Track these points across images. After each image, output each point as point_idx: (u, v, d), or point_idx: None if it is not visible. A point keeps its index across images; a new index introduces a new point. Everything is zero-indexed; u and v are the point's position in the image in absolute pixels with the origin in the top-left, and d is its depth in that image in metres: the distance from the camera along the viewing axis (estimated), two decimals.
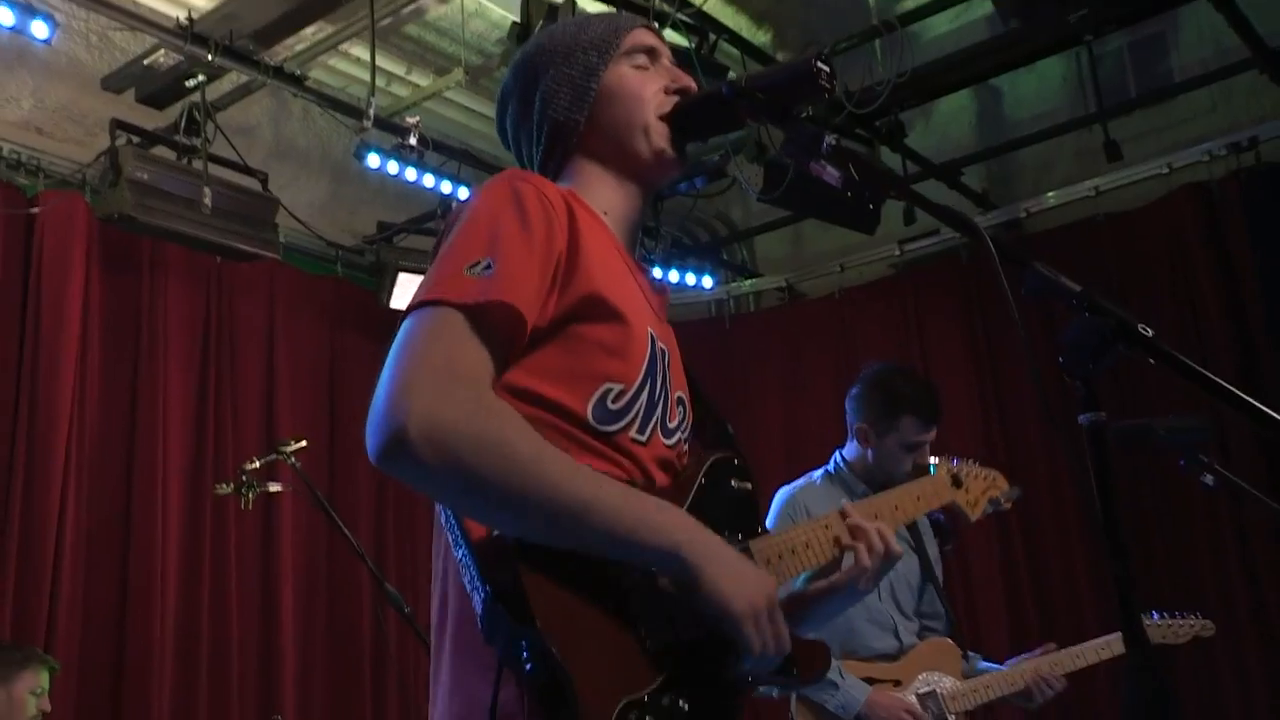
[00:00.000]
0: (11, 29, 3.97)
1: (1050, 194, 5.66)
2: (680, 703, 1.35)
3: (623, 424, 1.46)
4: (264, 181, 4.96)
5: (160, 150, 4.77)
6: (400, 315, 1.36)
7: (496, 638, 1.29)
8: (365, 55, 4.96)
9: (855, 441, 3.27)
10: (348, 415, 5.51)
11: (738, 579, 1.35)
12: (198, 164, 4.68)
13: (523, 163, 1.74)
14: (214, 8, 4.40)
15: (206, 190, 4.47)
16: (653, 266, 6.10)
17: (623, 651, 1.34)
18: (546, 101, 1.66)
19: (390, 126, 5.11)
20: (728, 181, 5.40)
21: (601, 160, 1.66)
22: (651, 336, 1.52)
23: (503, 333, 1.35)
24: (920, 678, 3.11)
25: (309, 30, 4.73)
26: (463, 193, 5.39)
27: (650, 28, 1.74)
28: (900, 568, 3.19)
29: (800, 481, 3.29)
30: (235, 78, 4.78)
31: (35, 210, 4.61)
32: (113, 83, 4.72)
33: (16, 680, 3.70)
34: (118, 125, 4.57)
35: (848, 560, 1.65)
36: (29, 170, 4.72)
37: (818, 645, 1.59)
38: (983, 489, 2.20)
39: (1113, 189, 5.44)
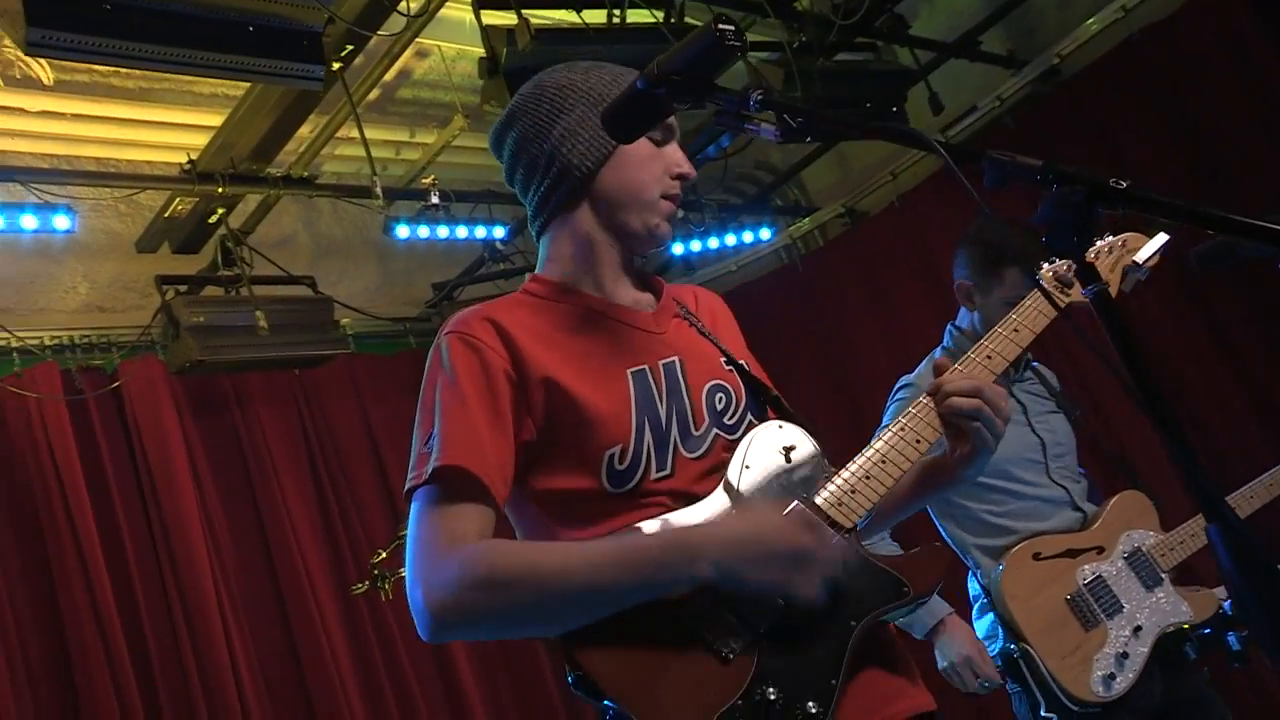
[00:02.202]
0: (36, 231, 4.13)
1: (1077, 30, 5.39)
2: (772, 691, 1.42)
3: (639, 475, 1.56)
4: (313, 285, 5.07)
5: (210, 290, 4.91)
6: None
7: (593, 710, 1.46)
8: (368, 135, 5.02)
9: (962, 306, 3.10)
10: None
11: (757, 554, 1.41)
12: (246, 291, 4.80)
13: (511, 179, 1.79)
14: (208, 143, 4.51)
15: (259, 314, 4.58)
16: (708, 237, 6.04)
17: (700, 674, 1.42)
18: (563, 139, 1.70)
19: (411, 194, 5.17)
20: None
21: (595, 217, 1.72)
22: (634, 375, 1.61)
23: (462, 487, 1.50)
24: (1123, 538, 2.93)
25: (304, 131, 4.81)
26: (498, 232, 5.42)
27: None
28: (1057, 431, 3.05)
29: (921, 365, 3.14)
30: (252, 199, 4.89)
31: (117, 384, 4.79)
32: (145, 244, 4.88)
33: None
34: (163, 280, 4.72)
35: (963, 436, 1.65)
36: (102, 349, 4.91)
37: (930, 552, 1.62)
38: (1110, 265, 1.96)
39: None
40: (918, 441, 1.65)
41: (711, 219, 6.04)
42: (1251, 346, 4.91)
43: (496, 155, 1.82)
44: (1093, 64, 5.36)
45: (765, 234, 6.34)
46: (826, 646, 1.48)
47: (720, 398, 1.67)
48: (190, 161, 4.43)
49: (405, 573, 1.49)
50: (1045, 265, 2.01)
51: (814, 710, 1.42)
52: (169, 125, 4.81)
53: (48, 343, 4.74)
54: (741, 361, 1.76)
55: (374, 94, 5.09)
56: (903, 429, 1.66)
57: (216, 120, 4.58)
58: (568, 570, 1.43)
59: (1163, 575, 2.91)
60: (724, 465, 1.61)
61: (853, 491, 1.60)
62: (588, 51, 3.64)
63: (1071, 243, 1.26)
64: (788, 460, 1.63)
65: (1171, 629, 2.85)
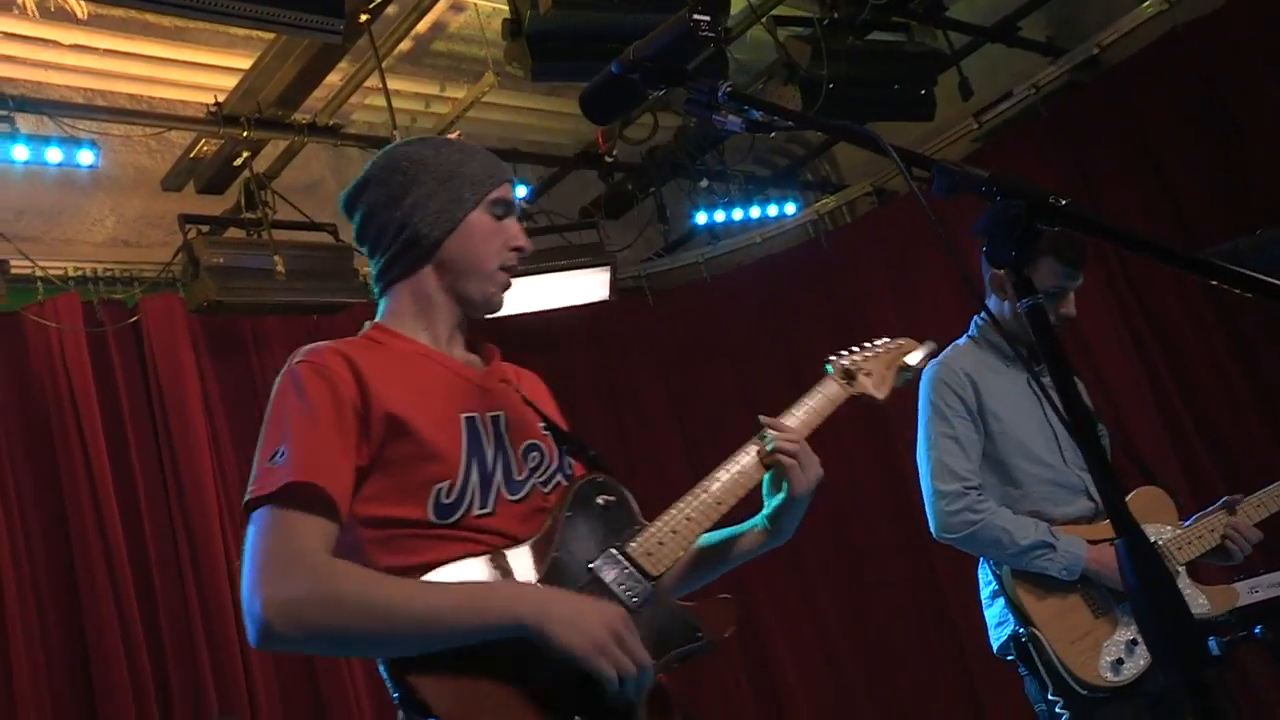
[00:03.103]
0: (60, 165, 4.20)
1: (1121, 19, 5.29)
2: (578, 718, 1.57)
3: (463, 510, 1.69)
4: (334, 233, 5.12)
5: (232, 232, 4.98)
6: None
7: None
8: (398, 86, 5.05)
9: (993, 294, 3.08)
10: None
11: (576, 624, 1.56)
12: (266, 235, 4.86)
13: (360, 240, 1.92)
14: (235, 85, 4.55)
15: (277, 259, 4.64)
16: (733, 208, 6.02)
17: (520, 712, 1.56)
18: (413, 210, 1.84)
19: None
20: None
21: (437, 281, 1.85)
22: (466, 420, 1.75)
23: (311, 501, 1.58)
24: None
25: (333, 79, 4.84)
26: (522, 191, 5.44)
27: (510, 182, 1.92)
28: None
29: (947, 350, 3.12)
30: (280, 143, 4.94)
31: (137, 319, 4.88)
32: (170, 182, 4.95)
33: None
34: (186, 219, 4.78)
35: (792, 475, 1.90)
36: (124, 282, 4.99)
37: (721, 603, 1.79)
38: (887, 364, 2.17)
39: None
40: (719, 503, 1.85)
41: (737, 190, 6.03)
42: (1265, 346, 4.88)
43: (348, 216, 1.95)
44: (1134, 55, 5.27)
45: (791, 208, 6.32)
46: (622, 712, 1.62)
47: (535, 456, 1.83)
48: (216, 104, 4.48)
49: (243, 579, 1.55)
50: (834, 356, 2.17)
51: None
52: (201, 66, 4.85)
53: (71, 274, 4.82)
54: (555, 424, 1.91)
55: (407, 45, 5.10)
56: (706, 491, 1.85)
57: (249, 63, 4.61)
58: (411, 604, 1.55)
59: (1178, 568, 2.91)
60: (542, 510, 1.77)
61: (660, 544, 1.76)
62: (606, 19, 3.66)
63: (1009, 256, 1.28)
64: (606, 510, 1.79)
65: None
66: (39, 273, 4.65)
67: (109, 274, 4.97)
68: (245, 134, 4.46)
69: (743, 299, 6.54)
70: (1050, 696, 2.80)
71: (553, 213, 5.87)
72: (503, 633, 1.56)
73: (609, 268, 5.75)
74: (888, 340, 2.23)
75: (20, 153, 4.04)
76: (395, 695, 1.57)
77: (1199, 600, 2.90)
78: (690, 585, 1.98)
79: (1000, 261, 1.27)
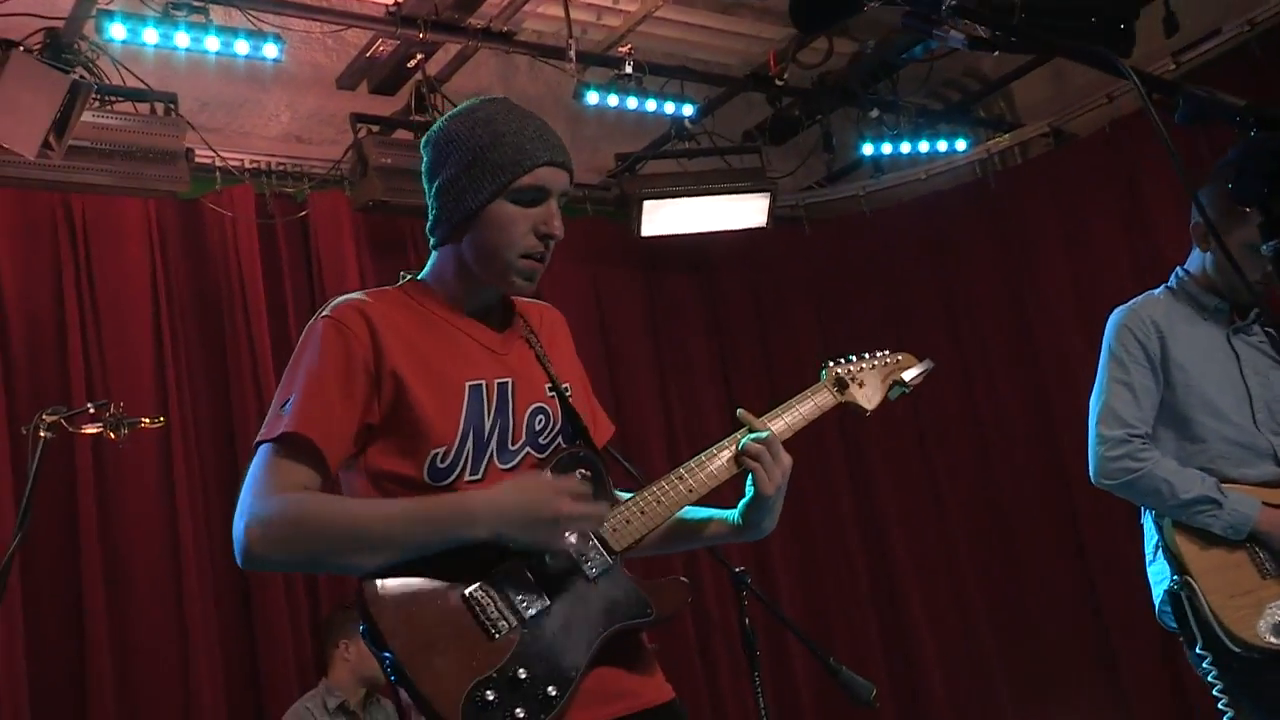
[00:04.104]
0: (248, 56, 4.30)
1: None
2: (521, 671, 1.70)
3: (455, 475, 1.82)
4: None
5: (401, 134, 5.04)
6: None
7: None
8: None
9: (1195, 246, 2.97)
10: (620, 345, 5.68)
11: (526, 517, 1.73)
12: None
13: (426, 200, 1.99)
14: None
15: None
16: (900, 140, 5.82)
17: (467, 645, 1.70)
18: (441, 190, 1.93)
19: (606, 60, 5.14)
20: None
21: (464, 260, 1.93)
22: (471, 388, 1.85)
23: (302, 451, 1.76)
24: None
25: None
26: (688, 109, 5.36)
27: (552, 164, 1.90)
28: (1276, 387, 2.90)
29: (1139, 298, 3.02)
30: (452, 48, 4.96)
31: (305, 214, 5.02)
32: (345, 80, 5.03)
33: (359, 634, 4.12)
34: (357, 119, 4.87)
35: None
36: (295, 177, 5.13)
37: (674, 584, 1.93)
38: (881, 377, 2.22)
39: None
40: (690, 491, 1.95)
41: (907, 123, 5.81)
42: None
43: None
44: None
45: (961, 145, 6.06)
46: (576, 643, 1.77)
47: (540, 419, 1.92)
48: (395, 3, 4.51)
49: (236, 509, 1.76)
50: (830, 361, 2.20)
51: (552, 693, 1.71)
52: None
53: (247, 165, 4.97)
54: (565, 386, 1.99)
55: None
56: (680, 478, 1.95)
57: None
58: (366, 519, 1.74)
59: None
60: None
61: (627, 522, 1.88)
62: None
63: (1260, 192, 1.17)
64: (583, 483, 1.86)
65: None
66: (219, 163, 4.81)
67: (281, 168, 5.12)
68: (421, 35, 4.49)
69: (902, 235, 6.35)
70: (1199, 650, 2.68)
71: (715, 134, 5.77)
72: (463, 532, 1.73)
73: (769, 195, 5.65)
74: (887, 353, 2.27)
75: (212, 43, 4.15)
76: (361, 628, 1.72)
77: None
78: (663, 550, 2.11)
79: (1250, 198, 1.16)
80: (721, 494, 2.01)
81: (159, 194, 4.50)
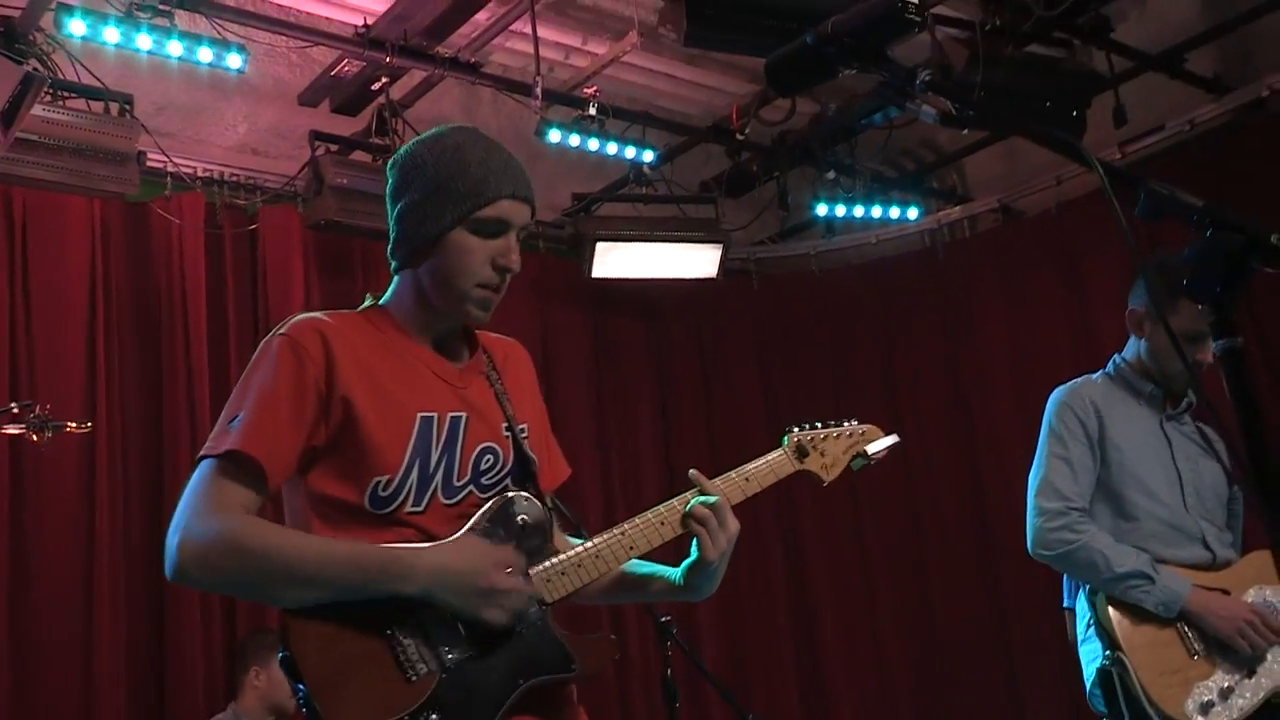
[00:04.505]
0: (210, 65, 4.26)
1: None
2: (434, 717, 1.68)
3: (396, 504, 1.79)
4: None
5: (359, 154, 5.01)
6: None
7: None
8: (541, 34, 5.01)
9: (1131, 334, 3.04)
10: (561, 383, 5.67)
11: (459, 583, 1.72)
12: None
13: (390, 214, 1.97)
14: (386, 10, 4.56)
15: None
16: (854, 204, 5.91)
17: (383, 685, 1.69)
18: (403, 214, 1.90)
19: (570, 100, 5.16)
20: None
21: (422, 285, 1.90)
22: (422, 420, 1.83)
23: (245, 471, 1.74)
24: (1253, 591, 2.84)
25: (481, 17, 4.83)
26: (648, 155, 5.40)
27: (515, 197, 1.88)
28: (1205, 475, 2.98)
29: (1078, 380, 3.08)
30: (417, 74, 4.95)
31: (255, 227, 4.95)
32: (307, 97, 4.99)
33: (274, 661, 4.03)
34: (316, 136, 4.83)
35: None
36: (247, 190, 5.06)
37: (601, 641, 1.91)
38: (844, 448, 2.20)
39: None
40: (631, 548, 1.92)
41: (861, 187, 5.91)
42: None
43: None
44: None
45: (913, 213, 6.17)
46: (493, 693, 1.75)
47: (489, 459, 1.89)
48: (365, 25, 4.49)
49: (172, 519, 1.73)
50: (794, 427, 2.18)
51: None
52: None
53: (200, 174, 4.90)
54: (522, 426, 1.97)
55: None
56: (623, 533, 1.92)
57: None
58: (301, 557, 1.70)
59: None
60: (469, 517, 1.84)
61: (563, 573, 1.86)
62: None
63: (1214, 291, 1.20)
64: (521, 529, 1.85)
65: None
66: (171, 168, 4.73)
67: (234, 179, 5.06)
68: (388, 59, 4.48)
69: (849, 298, 6.44)
70: None
71: (673, 182, 5.81)
72: (393, 588, 1.71)
73: (721, 246, 5.69)
74: (853, 423, 2.26)
75: (175, 48, 4.10)
76: (280, 655, 1.72)
77: None
78: (598, 601, 2.11)
79: (1205, 297, 1.19)
80: (663, 550, 1.99)
81: (106, 195, 4.41)
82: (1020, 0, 4.41)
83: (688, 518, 1.94)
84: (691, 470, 2.00)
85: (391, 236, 1.94)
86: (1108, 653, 2.75)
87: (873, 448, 2.23)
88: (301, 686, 1.66)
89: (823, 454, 2.18)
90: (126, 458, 4.47)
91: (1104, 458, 2.94)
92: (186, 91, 5.00)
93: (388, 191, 1.96)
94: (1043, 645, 5.49)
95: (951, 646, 5.96)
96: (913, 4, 1.49)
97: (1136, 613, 2.77)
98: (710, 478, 2.00)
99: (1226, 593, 2.80)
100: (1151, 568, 2.77)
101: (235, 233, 4.93)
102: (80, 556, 4.25)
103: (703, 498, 1.96)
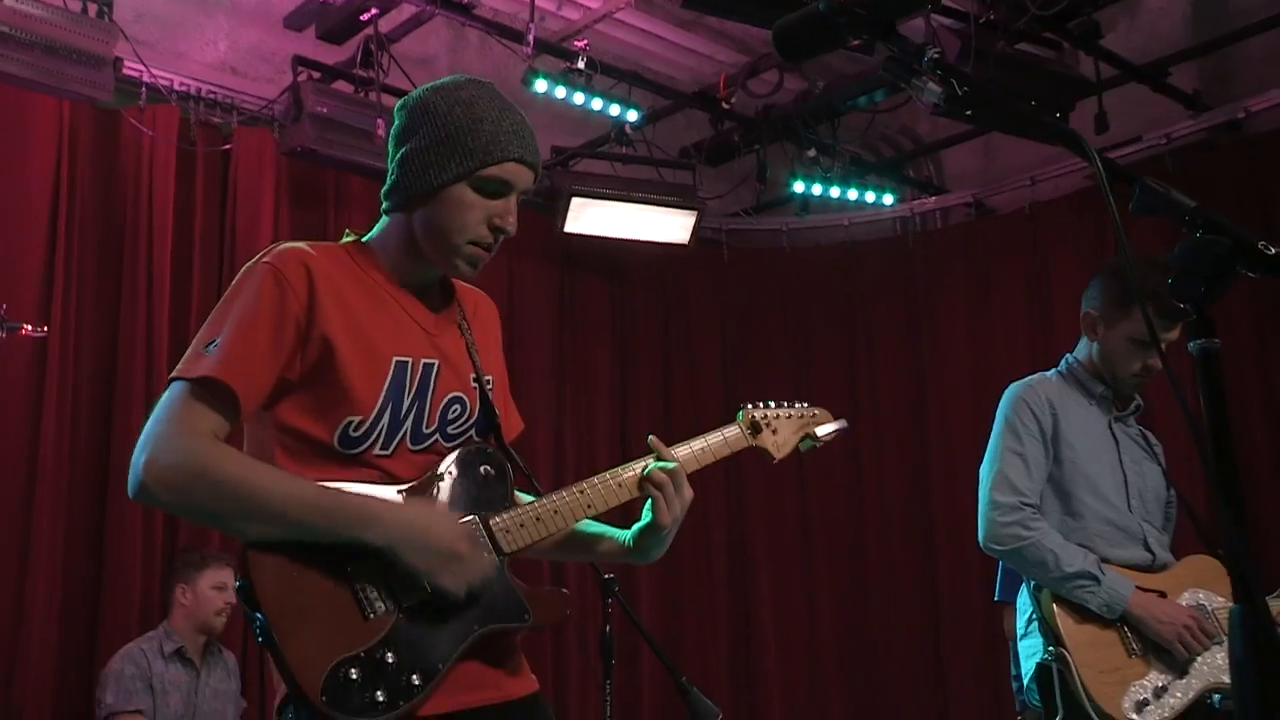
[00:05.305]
0: None
1: (1274, 91, 5.12)
2: (389, 655, 1.69)
3: (365, 445, 1.80)
4: None
5: (341, 84, 4.94)
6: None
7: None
8: None
9: (1084, 335, 3.08)
10: (523, 338, 5.66)
11: (420, 542, 1.71)
12: (374, 96, 4.82)
13: (390, 155, 1.95)
14: None
15: (379, 122, 4.60)
16: (830, 184, 5.93)
17: (340, 620, 1.69)
18: (406, 159, 1.88)
19: (559, 51, 5.12)
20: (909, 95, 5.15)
21: (416, 229, 1.89)
22: (397, 363, 1.83)
23: (219, 397, 1.72)
24: (1188, 593, 2.91)
25: None
26: (631, 115, 5.37)
27: (523, 161, 1.87)
28: (1148, 478, 3.04)
29: (1034, 376, 3.12)
30: (408, 9, 4.88)
31: (229, 148, 4.87)
32: (294, 21, 4.91)
33: (200, 579, 4.03)
34: (299, 62, 4.75)
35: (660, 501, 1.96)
36: (224, 109, 4.98)
37: (555, 594, 1.95)
38: (795, 429, 2.24)
39: None
40: (589, 506, 1.94)
41: (840, 168, 5.92)
42: None
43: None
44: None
45: (888, 199, 6.21)
46: (448, 637, 1.76)
47: (456, 409, 1.91)
48: None
49: (140, 437, 1.70)
50: (749, 404, 2.21)
51: (416, 682, 1.71)
52: None
53: (176, 88, 4.81)
54: (489, 377, 1.98)
55: None
56: (582, 491, 1.94)
57: None
58: (269, 494, 1.69)
59: (1224, 637, 2.85)
60: (434, 465, 1.86)
61: (521, 525, 1.87)
62: None
63: (1198, 292, 1.22)
64: (484, 479, 1.89)
65: (1224, 689, 2.82)
66: (147, 79, 4.64)
67: (211, 96, 4.97)
68: None
69: (816, 277, 6.48)
70: None
71: (653, 144, 5.79)
72: (352, 537, 1.70)
73: (696, 213, 5.69)
74: (804, 405, 2.30)
75: None
76: (239, 584, 1.72)
77: None
78: (550, 556, 2.14)
79: (1188, 297, 1.21)
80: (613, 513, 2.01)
81: (77, 97, 4.31)
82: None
83: (645, 481, 1.96)
84: (650, 436, 2.03)
85: (390, 179, 1.92)
86: (1050, 648, 2.80)
87: (822, 430, 2.27)
88: (260, 615, 1.66)
89: (775, 432, 2.21)
90: (79, 366, 4.40)
91: (1056, 455, 2.99)
92: (169, 2, 4.90)
93: (393, 132, 1.93)
94: (972, 634, 5.62)
95: (883, 630, 6.06)
96: None
97: (1080, 611, 2.82)
98: (667, 445, 2.02)
99: (1163, 594, 2.88)
100: (1098, 569, 2.82)
101: (208, 151, 4.85)
102: (23, 458, 4.20)
103: (660, 463, 1.97)
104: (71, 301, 4.40)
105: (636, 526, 2.00)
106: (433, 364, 1.88)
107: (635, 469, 1.98)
